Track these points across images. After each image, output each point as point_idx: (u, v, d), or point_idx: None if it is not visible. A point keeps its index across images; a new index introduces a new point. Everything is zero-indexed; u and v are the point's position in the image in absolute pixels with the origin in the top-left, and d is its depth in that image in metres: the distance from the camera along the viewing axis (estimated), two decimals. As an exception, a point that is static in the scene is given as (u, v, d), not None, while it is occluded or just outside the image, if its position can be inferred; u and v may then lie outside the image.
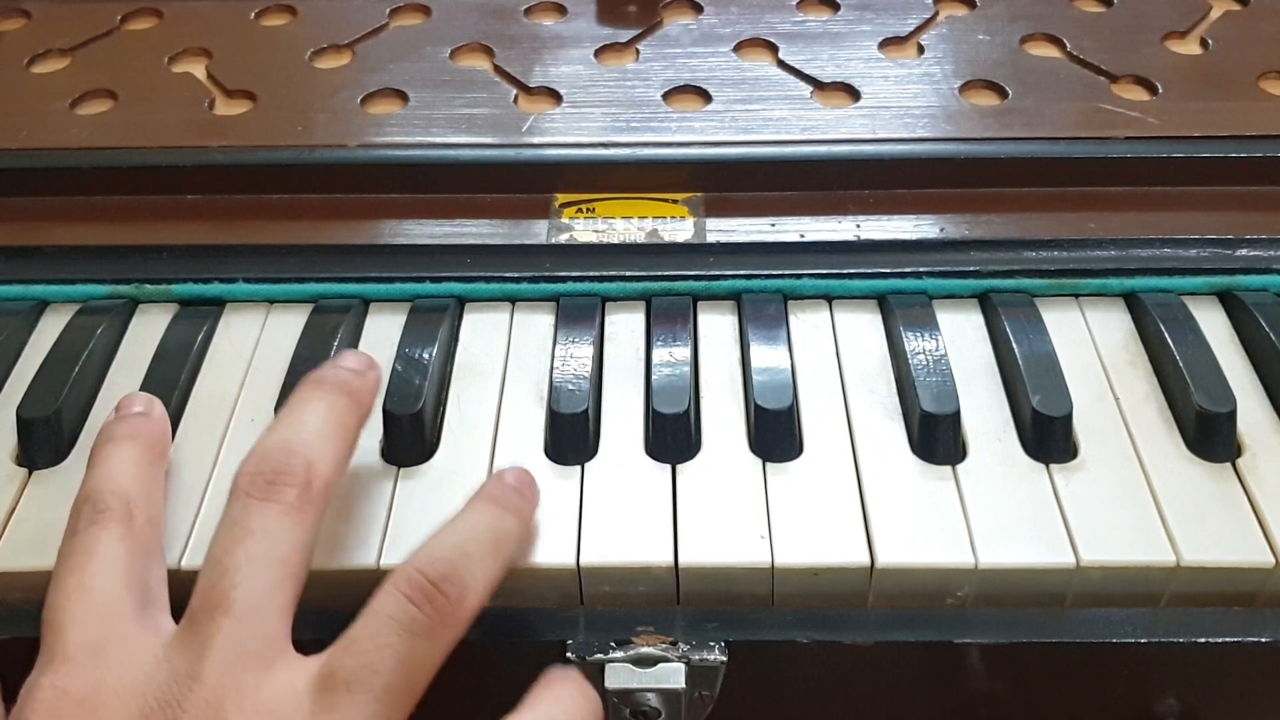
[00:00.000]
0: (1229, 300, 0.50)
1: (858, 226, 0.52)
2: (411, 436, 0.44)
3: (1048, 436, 0.44)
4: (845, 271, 0.50)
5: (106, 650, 0.35)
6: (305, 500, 0.37)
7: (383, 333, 0.49)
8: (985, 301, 0.50)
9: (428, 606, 0.35)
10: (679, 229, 0.53)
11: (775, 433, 0.44)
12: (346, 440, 0.40)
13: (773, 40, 0.62)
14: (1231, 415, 0.44)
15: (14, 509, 0.43)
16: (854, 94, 0.58)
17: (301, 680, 0.35)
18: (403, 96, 0.59)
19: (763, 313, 0.49)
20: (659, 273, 0.50)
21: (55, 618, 0.36)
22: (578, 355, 0.47)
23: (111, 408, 0.45)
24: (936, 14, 0.65)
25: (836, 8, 0.65)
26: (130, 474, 0.40)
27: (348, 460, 0.41)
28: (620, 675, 0.39)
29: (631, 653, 0.39)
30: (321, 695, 0.34)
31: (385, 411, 0.44)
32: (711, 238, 0.52)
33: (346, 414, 0.40)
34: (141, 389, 0.46)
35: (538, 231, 0.53)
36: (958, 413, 0.44)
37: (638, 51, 0.63)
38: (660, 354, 0.47)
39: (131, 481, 0.40)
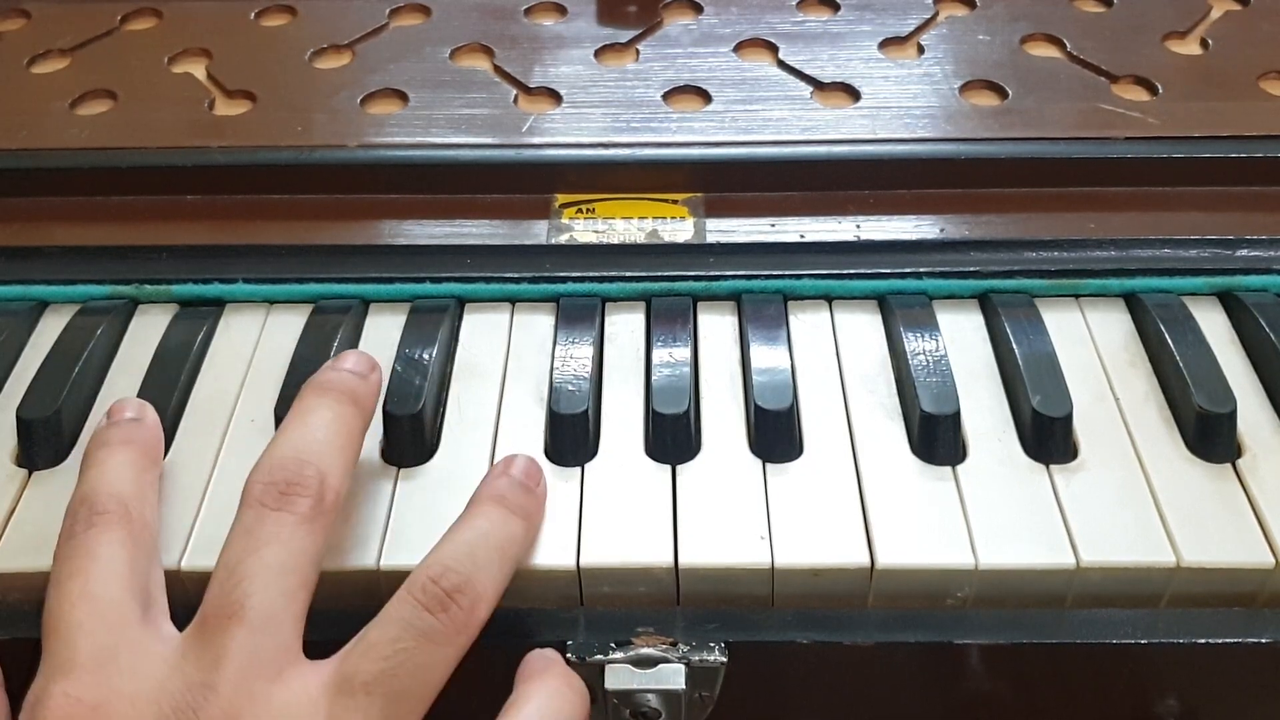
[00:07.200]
0: (1229, 300, 0.50)
1: (858, 227, 0.52)
2: (411, 437, 0.44)
3: (1048, 437, 0.44)
4: (845, 272, 0.50)
5: (117, 657, 0.35)
6: (318, 511, 0.38)
7: (383, 333, 0.49)
8: (985, 302, 0.50)
9: (443, 615, 0.36)
10: (679, 229, 0.53)
11: (775, 433, 0.44)
12: (354, 447, 0.41)
13: (773, 40, 0.62)
14: (1232, 416, 0.44)
15: (14, 509, 0.43)
16: (854, 94, 0.58)
17: (315, 685, 0.35)
18: (403, 96, 0.59)
19: (763, 313, 0.49)
20: (659, 273, 0.50)
21: (60, 624, 0.36)
22: (578, 356, 0.47)
23: (103, 413, 0.45)
24: (936, 14, 0.65)
25: (836, 8, 0.65)
26: (126, 477, 0.40)
27: (354, 467, 0.41)
28: (620, 676, 0.39)
29: (631, 654, 0.39)
30: (338, 698, 0.34)
31: (385, 412, 0.44)
32: (711, 238, 0.52)
33: (353, 421, 0.41)
34: (141, 389, 0.46)
35: (538, 232, 0.53)
36: (958, 413, 0.44)
37: (638, 51, 0.62)
38: (660, 354, 0.47)
39: (127, 484, 0.40)
